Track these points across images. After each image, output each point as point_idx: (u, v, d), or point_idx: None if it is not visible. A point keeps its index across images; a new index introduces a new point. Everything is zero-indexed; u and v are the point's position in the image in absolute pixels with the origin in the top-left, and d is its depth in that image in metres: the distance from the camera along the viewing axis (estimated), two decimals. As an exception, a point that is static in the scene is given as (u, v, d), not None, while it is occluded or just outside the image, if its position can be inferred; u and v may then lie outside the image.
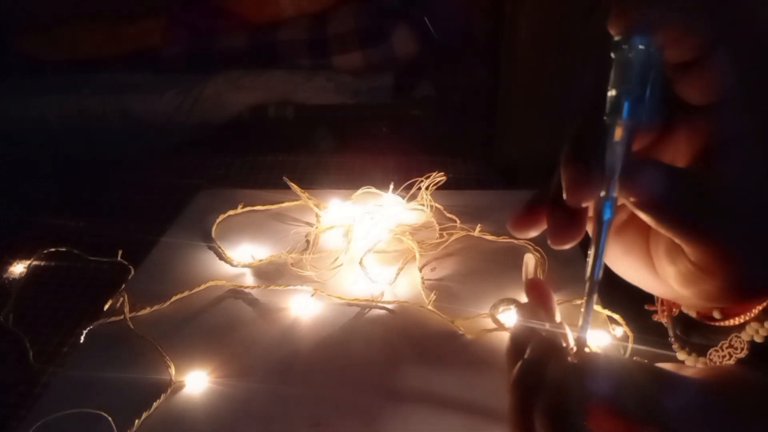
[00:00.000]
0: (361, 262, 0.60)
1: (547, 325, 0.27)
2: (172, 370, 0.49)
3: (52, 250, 0.68)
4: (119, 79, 1.46)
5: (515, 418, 0.24)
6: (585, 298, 0.24)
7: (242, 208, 0.70)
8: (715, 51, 0.23)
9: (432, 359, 0.50)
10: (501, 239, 0.63)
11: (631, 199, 0.24)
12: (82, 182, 0.85)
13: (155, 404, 0.46)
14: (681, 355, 0.33)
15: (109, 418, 0.45)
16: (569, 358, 0.24)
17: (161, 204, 0.79)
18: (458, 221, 0.66)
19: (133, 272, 0.63)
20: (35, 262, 0.67)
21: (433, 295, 0.55)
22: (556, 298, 0.54)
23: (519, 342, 0.27)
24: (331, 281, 0.59)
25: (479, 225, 0.65)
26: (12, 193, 0.83)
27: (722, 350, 0.30)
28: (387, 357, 0.51)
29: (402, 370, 0.49)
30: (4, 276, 0.66)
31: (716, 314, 0.30)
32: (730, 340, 0.30)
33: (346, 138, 1.32)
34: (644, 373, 0.22)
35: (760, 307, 0.28)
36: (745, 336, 0.29)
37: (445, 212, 0.68)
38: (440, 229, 0.65)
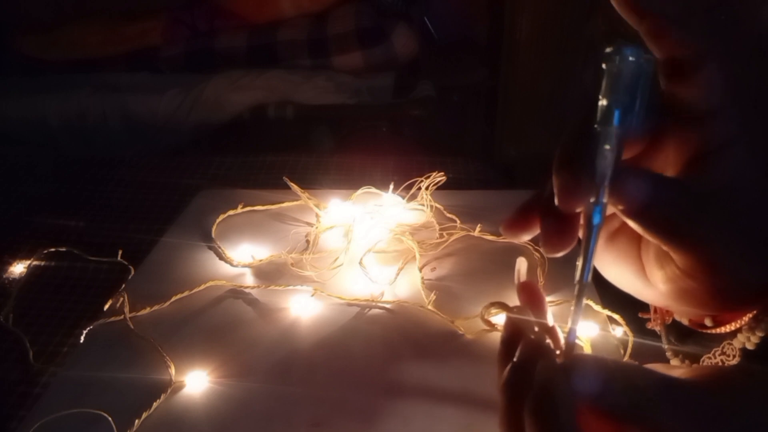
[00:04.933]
0: (361, 262, 0.60)
1: (536, 328, 0.27)
2: (172, 370, 0.49)
3: (52, 250, 0.68)
4: (119, 79, 1.46)
5: (505, 420, 0.24)
6: (574, 300, 0.24)
7: (242, 208, 0.70)
8: (707, 61, 0.23)
9: (432, 359, 0.50)
10: (501, 239, 0.63)
11: (619, 207, 0.24)
12: (82, 182, 0.85)
13: (155, 404, 0.46)
14: (674, 362, 0.33)
15: (109, 418, 0.45)
16: (557, 359, 0.25)
17: (161, 204, 0.79)
18: (458, 221, 0.66)
19: (133, 272, 0.63)
20: (35, 262, 0.67)
21: (433, 295, 0.55)
22: (553, 298, 0.55)
23: (509, 345, 0.27)
24: (331, 281, 0.59)
25: (479, 225, 0.65)
26: (12, 193, 0.83)
27: (714, 357, 0.30)
28: (387, 357, 0.51)
29: (402, 370, 0.49)
30: (4, 276, 0.66)
31: (708, 322, 0.30)
32: (723, 348, 0.30)
33: (346, 138, 1.32)
34: (632, 373, 0.22)
35: (751, 315, 0.28)
36: (737, 343, 0.29)
37: (445, 212, 0.68)
38: (440, 229, 0.65)
